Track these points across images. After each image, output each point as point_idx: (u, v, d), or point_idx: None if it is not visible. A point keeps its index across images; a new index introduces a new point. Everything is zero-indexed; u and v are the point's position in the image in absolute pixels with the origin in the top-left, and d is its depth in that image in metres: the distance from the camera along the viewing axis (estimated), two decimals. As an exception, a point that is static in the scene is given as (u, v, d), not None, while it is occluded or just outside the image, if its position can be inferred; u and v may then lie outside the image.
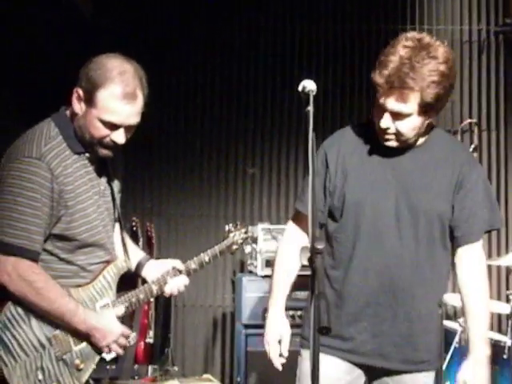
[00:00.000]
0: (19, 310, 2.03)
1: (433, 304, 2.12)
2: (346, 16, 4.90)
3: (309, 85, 1.82)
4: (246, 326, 3.92)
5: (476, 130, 4.65)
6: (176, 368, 4.47)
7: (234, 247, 2.45)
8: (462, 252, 2.13)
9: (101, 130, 2.01)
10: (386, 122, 2.03)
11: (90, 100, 1.98)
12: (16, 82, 4.06)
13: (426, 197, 2.09)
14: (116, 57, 2.02)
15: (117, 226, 2.30)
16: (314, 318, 1.39)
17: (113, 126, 2.01)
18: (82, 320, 2.06)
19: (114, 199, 2.24)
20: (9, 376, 2.00)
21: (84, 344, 2.11)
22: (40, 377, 2.03)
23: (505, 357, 3.62)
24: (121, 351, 2.14)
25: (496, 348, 3.70)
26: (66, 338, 2.08)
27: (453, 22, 4.90)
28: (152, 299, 2.27)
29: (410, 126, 2.02)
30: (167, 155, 4.92)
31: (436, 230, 2.10)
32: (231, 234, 2.44)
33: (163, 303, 4.53)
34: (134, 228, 4.36)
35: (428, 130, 2.13)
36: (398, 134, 2.05)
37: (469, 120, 4.62)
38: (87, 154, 2.10)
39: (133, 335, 2.18)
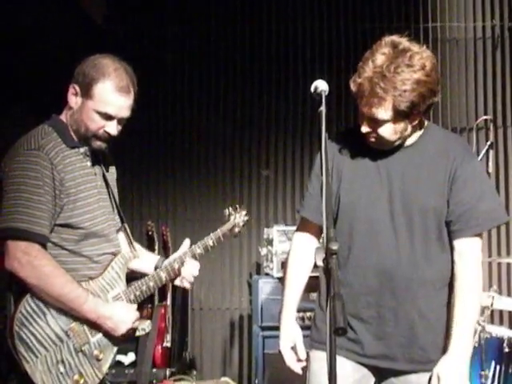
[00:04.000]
0: (33, 306, 2.06)
1: (437, 303, 2.10)
2: (358, 15, 4.89)
3: (321, 85, 1.82)
4: (263, 328, 3.92)
5: (491, 126, 4.59)
6: (194, 371, 4.48)
7: (237, 229, 2.48)
8: (457, 246, 2.08)
9: (96, 122, 2.14)
10: (365, 127, 2.05)
11: (87, 93, 2.13)
12: (29, 90, 4.10)
13: (420, 194, 2.06)
14: (109, 56, 2.18)
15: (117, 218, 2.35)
16: (331, 319, 1.38)
17: (108, 118, 2.14)
18: (93, 308, 2.09)
19: (110, 194, 2.30)
20: (32, 372, 2.03)
21: (101, 334, 2.14)
22: (62, 370, 2.06)
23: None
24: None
25: (510, 345, 3.67)
26: (82, 330, 2.10)
27: (466, 19, 4.86)
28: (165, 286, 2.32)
29: (390, 131, 2.02)
30: (182, 159, 4.94)
31: (432, 227, 2.07)
32: (232, 217, 2.48)
33: (180, 307, 4.54)
34: (150, 232, 4.37)
35: (419, 127, 2.11)
36: (380, 138, 2.04)
37: (484, 117, 4.57)
38: (81, 150, 2.18)
39: (147, 322, 2.24)
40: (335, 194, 2.14)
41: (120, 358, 4.10)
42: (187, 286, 2.38)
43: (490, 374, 3.70)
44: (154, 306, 4.27)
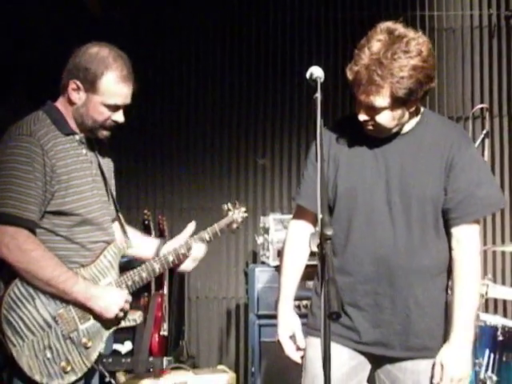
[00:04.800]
0: (22, 290, 2.06)
1: (434, 291, 2.10)
2: (356, 2, 4.87)
3: (316, 71, 1.81)
4: (260, 317, 3.93)
5: (487, 116, 4.60)
6: (190, 360, 4.49)
7: (235, 226, 2.49)
8: (455, 233, 2.08)
9: (104, 114, 2.16)
10: (362, 115, 2.05)
11: (91, 89, 2.13)
12: (25, 78, 4.09)
13: (417, 182, 2.07)
14: (104, 46, 2.17)
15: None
16: (325, 303, 1.39)
17: (115, 108, 2.17)
18: (83, 289, 2.09)
19: (105, 183, 2.29)
20: (18, 356, 2.03)
21: (90, 322, 2.14)
22: (49, 355, 2.06)
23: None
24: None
25: (510, 335, 3.69)
26: (70, 317, 2.10)
27: (463, 8, 4.85)
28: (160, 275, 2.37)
29: (388, 118, 2.02)
30: (178, 148, 4.93)
31: (429, 215, 2.07)
32: (230, 213, 2.48)
33: (177, 296, 4.55)
34: (146, 221, 4.38)
35: (416, 114, 2.11)
36: (377, 126, 2.04)
37: (480, 105, 4.58)
38: (76, 137, 2.18)
39: (138, 313, 2.25)
40: (332, 182, 2.14)
41: (117, 347, 4.11)
42: (188, 269, 2.42)
43: (484, 362, 3.72)
44: (151, 295, 4.29)
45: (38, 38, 4.23)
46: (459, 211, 2.06)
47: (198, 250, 2.41)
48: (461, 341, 2.04)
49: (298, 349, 2.18)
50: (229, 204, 2.50)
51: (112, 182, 2.36)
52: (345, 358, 2.12)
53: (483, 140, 4.24)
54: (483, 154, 4.20)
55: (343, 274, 2.09)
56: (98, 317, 2.15)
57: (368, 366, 2.19)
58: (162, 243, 2.40)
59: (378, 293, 2.08)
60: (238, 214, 2.48)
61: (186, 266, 2.41)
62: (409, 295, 2.08)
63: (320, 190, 1.56)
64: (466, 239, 2.08)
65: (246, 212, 2.50)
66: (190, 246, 2.37)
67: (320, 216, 1.51)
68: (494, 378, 3.67)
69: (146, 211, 4.37)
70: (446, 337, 2.08)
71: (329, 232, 1.48)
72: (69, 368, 2.08)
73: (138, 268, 2.28)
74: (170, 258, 2.33)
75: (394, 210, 2.07)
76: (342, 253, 2.11)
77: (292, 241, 2.27)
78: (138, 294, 4.10)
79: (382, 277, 2.07)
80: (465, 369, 2.05)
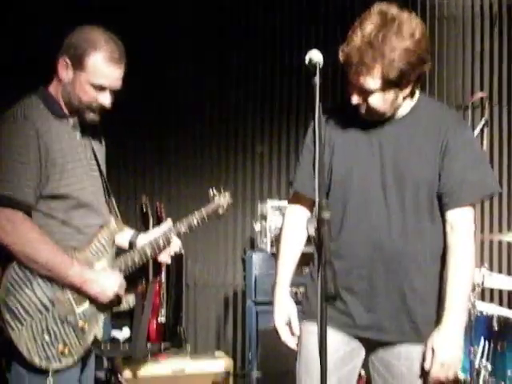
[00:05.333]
0: (20, 273, 2.06)
1: (428, 276, 2.10)
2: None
3: (315, 56, 1.80)
4: (257, 304, 3.94)
5: (487, 104, 4.59)
6: (188, 346, 4.50)
7: (221, 211, 2.51)
8: (449, 217, 2.08)
9: (90, 94, 2.14)
10: (355, 98, 2.04)
11: (79, 66, 2.13)
12: (12, 64, 4.07)
13: (412, 166, 2.06)
14: (98, 28, 2.19)
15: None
16: (321, 286, 1.39)
17: (101, 89, 2.15)
18: (79, 273, 2.10)
19: (99, 168, 2.29)
20: (17, 339, 2.03)
21: (87, 305, 2.16)
22: (47, 338, 2.07)
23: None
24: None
25: (507, 325, 3.70)
26: (67, 299, 2.11)
27: (464, -4, 4.83)
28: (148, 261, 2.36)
29: (380, 100, 2.01)
30: (176, 136, 4.92)
31: (423, 199, 2.07)
32: (216, 198, 2.51)
33: (174, 283, 4.55)
34: (144, 209, 4.36)
35: (411, 98, 2.10)
36: (370, 109, 2.03)
37: (480, 94, 4.56)
38: (70, 121, 2.18)
39: (131, 296, 2.25)
40: (328, 167, 2.13)
41: (115, 333, 4.13)
42: (169, 261, 2.40)
43: (479, 351, 3.73)
44: (149, 281, 4.29)
45: (23, 24, 4.20)
46: (453, 195, 2.05)
47: (176, 244, 2.40)
48: (452, 326, 2.03)
49: (294, 335, 2.17)
50: (214, 189, 2.51)
51: (104, 164, 2.36)
52: (340, 344, 2.12)
53: (482, 129, 4.22)
54: (482, 143, 4.19)
55: (338, 258, 2.07)
56: (93, 300, 2.16)
57: (362, 352, 2.19)
58: (135, 235, 2.39)
59: (373, 277, 2.08)
60: (223, 199, 2.50)
61: (162, 258, 2.39)
62: (404, 280, 2.07)
63: (318, 174, 1.56)
64: (460, 224, 2.07)
65: (231, 198, 2.54)
66: (169, 239, 2.37)
67: (317, 199, 1.50)
68: (489, 366, 3.69)
69: (143, 198, 4.36)
70: (438, 322, 2.07)
71: (326, 215, 1.48)
72: (66, 351, 2.09)
73: (131, 252, 2.30)
74: (161, 243, 2.34)
75: (388, 195, 2.07)
76: (336, 237, 2.10)
77: (289, 226, 2.27)
78: (136, 281, 4.11)
79: (376, 261, 2.07)
80: (456, 354, 2.04)
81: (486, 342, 3.74)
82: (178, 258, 4.42)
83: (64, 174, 2.11)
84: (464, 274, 2.05)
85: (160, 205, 4.46)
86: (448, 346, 2.02)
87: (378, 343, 2.14)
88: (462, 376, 3.79)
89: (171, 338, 4.39)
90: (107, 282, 2.16)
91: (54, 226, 2.11)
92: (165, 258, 2.38)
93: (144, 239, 2.38)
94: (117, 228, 2.31)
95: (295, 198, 2.27)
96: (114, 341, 4.09)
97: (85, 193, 2.17)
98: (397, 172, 2.07)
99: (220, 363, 3.75)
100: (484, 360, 3.71)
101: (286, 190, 4.83)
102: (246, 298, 4.25)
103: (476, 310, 3.78)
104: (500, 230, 4.75)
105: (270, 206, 4.08)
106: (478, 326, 3.78)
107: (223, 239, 4.97)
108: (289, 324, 2.18)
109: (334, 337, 2.10)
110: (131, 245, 2.37)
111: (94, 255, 2.19)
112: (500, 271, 4.68)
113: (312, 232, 1.52)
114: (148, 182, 4.90)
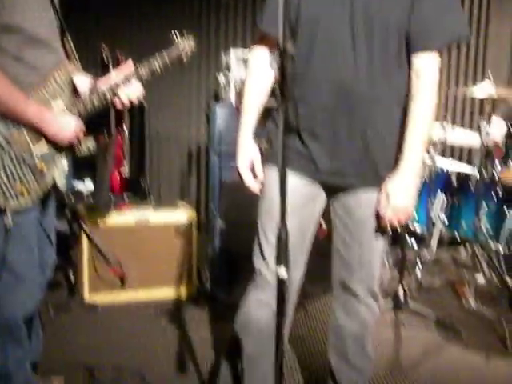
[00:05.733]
0: None
1: (391, 121, 2.08)
2: None
3: None
4: (220, 156, 3.92)
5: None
6: (152, 198, 4.54)
7: (184, 56, 2.36)
8: (415, 62, 2.03)
9: None
10: None
11: None
12: None
13: (382, 9, 1.98)
14: None
15: None
16: (283, 119, 1.35)
17: None
18: (37, 112, 2.04)
19: (54, 6, 2.17)
20: None
21: (45, 148, 2.11)
22: (3, 177, 2.05)
23: (472, 189, 3.73)
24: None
25: (463, 180, 3.80)
26: (23, 138, 2.07)
27: None
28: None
29: None
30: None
31: (392, 44, 2.01)
32: (178, 41, 2.35)
33: (137, 135, 4.49)
34: (105, 58, 4.19)
35: None
36: None
37: None
38: None
39: (91, 140, 2.20)
40: (295, 8, 2.03)
41: (78, 185, 4.12)
42: (127, 103, 2.25)
43: (437, 203, 3.86)
44: (111, 134, 4.22)
45: None
46: (421, 38, 2.00)
47: (138, 89, 2.27)
48: (407, 172, 2.05)
49: (257, 178, 2.18)
50: (176, 32, 2.37)
51: (58, 5, 2.21)
52: (300, 185, 2.13)
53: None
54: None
55: (302, 103, 2.04)
56: (50, 142, 2.11)
57: (323, 197, 2.21)
58: (94, 79, 2.27)
59: (336, 122, 2.05)
60: (186, 43, 2.35)
61: (122, 98, 2.25)
62: (368, 124, 2.05)
63: (282, 12, 1.46)
64: (425, 72, 2.03)
65: (193, 42, 2.37)
66: (130, 82, 2.23)
67: (281, 30, 1.42)
68: (445, 218, 3.84)
69: (102, 46, 4.16)
70: (395, 168, 2.08)
71: (290, 47, 1.41)
72: (24, 190, 2.07)
73: (89, 95, 2.20)
74: (108, 95, 2.21)
75: (356, 39, 1.99)
76: (301, 81, 2.05)
77: (253, 70, 2.20)
78: (97, 130, 4.04)
79: (340, 105, 2.03)
80: (408, 199, 2.07)
81: (444, 196, 3.87)
82: (140, 110, 4.34)
83: (17, 6, 1.98)
84: (423, 122, 2.04)
85: (121, 56, 4.29)
86: (401, 190, 2.05)
87: (340, 188, 2.15)
88: (418, 227, 3.95)
89: (135, 190, 4.41)
90: (65, 121, 2.10)
91: (6, 62, 2.01)
92: (124, 98, 2.24)
93: (104, 83, 2.27)
94: (74, 68, 2.22)
95: (261, 39, 2.18)
96: (78, 193, 4.10)
97: (38, 25, 2.05)
98: (366, 16, 1.99)
99: (183, 214, 3.80)
100: (441, 213, 3.85)
101: (252, 39, 4.67)
102: (210, 151, 4.24)
103: (436, 166, 3.87)
104: (465, 84, 4.76)
105: (234, 55, 3.94)
106: (438, 181, 3.89)
107: (187, 91, 4.87)
108: (252, 168, 2.17)
109: (296, 180, 2.11)
110: (91, 90, 2.26)
111: (50, 95, 2.11)
112: (462, 125, 4.75)
113: (275, 66, 1.45)
114: (108, 29, 4.67)
